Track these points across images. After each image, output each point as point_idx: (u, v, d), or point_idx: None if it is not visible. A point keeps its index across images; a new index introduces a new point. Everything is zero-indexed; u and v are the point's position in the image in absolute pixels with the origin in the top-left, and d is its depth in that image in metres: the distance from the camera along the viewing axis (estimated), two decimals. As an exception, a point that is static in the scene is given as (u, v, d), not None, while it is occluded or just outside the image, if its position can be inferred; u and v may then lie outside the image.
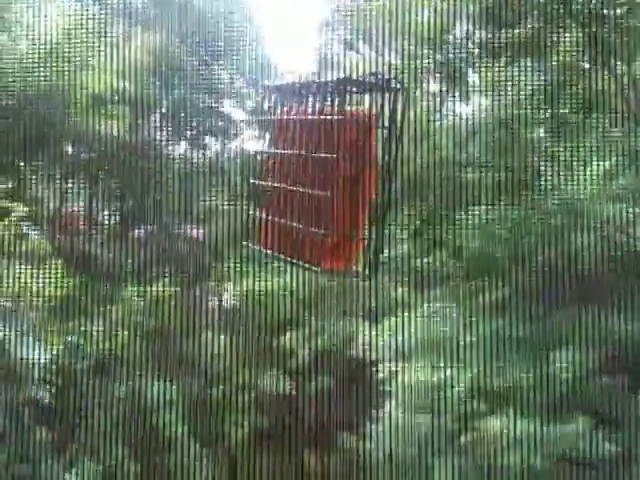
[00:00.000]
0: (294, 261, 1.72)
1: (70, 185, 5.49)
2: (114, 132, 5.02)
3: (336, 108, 1.65)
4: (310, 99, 1.70)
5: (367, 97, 1.68)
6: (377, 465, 4.99)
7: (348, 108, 1.67)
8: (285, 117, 1.76)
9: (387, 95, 1.67)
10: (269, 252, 1.79)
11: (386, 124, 1.67)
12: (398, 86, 1.67)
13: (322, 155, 1.65)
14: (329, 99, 1.66)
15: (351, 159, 1.65)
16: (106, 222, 6.13)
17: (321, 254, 1.65)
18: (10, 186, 5.00)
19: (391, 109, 1.66)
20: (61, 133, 4.94)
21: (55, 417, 5.38)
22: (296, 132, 1.73)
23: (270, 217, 1.77)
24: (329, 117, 1.65)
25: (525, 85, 3.92)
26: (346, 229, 1.66)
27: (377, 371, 4.93)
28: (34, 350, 5.08)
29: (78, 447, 5.90)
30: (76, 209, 5.99)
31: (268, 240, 1.78)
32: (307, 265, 1.69)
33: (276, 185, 1.77)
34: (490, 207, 4.12)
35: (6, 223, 5.32)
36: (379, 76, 1.66)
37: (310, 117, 1.70)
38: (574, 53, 3.90)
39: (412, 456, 4.63)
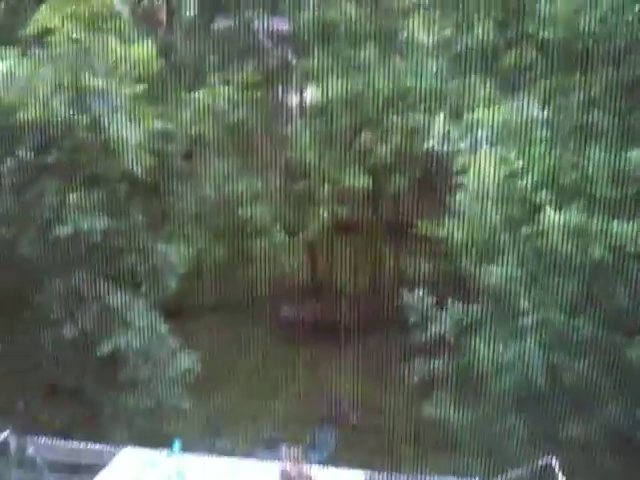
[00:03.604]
0: None
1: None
2: None
3: None
4: None
5: None
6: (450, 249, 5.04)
7: None
8: None
9: None
10: None
11: None
12: None
13: None
14: None
15: None
16: (187, 14, 6.21)
17: None
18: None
19: None
20: None
21: (148, 195, 5.24)
22: None
23: None
24: None
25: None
26: None
27: (454, 164, 5.08)
28: (127, 128, 5.14)
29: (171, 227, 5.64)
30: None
31: None
32: None
33: None
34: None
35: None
36: None
37: None
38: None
39: (482, 240, 4.86)
